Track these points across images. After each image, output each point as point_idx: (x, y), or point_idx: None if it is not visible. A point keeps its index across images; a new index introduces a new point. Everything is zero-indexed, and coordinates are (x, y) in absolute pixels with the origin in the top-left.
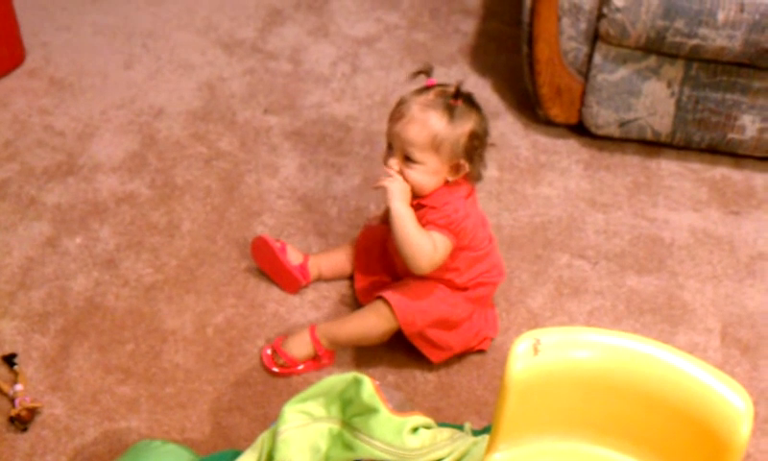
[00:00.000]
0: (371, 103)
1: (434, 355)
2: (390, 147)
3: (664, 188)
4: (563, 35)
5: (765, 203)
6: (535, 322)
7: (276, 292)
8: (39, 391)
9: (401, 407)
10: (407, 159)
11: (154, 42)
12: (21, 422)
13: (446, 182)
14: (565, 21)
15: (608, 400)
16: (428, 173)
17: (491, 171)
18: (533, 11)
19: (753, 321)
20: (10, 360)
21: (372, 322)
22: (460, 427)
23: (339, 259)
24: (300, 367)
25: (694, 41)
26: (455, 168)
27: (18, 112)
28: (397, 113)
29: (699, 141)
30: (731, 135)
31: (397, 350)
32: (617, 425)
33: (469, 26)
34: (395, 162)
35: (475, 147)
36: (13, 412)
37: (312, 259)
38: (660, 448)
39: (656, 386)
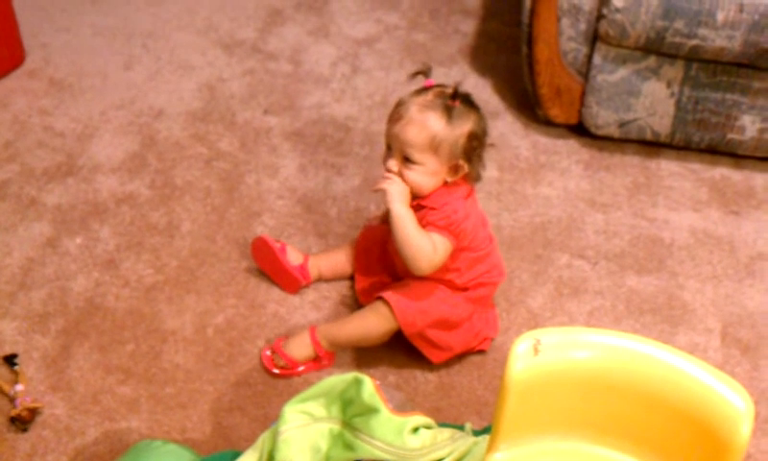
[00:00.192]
0: (370, 103)
1: (434, 356)
2: (389, 148)
3: (664, 188)
4: (562, 35)
5: (765, 203)
6: (535, 322)
7: (276, 292)
8: (40, 391)
9: (402, 407)
10: (406, 160)
11: (153, 43)
12: (22, 422)
13: (445, 183)
14: (565, 22)
15: (608, 400)
16: (427, 174)
17: (490, 171)
18: (532, 11)
19: (753, 321)
20: (10, 360)
21: (372, 322)
22: (460, 427)
23: (339, 260)
24: (301, 368)
25: (694, 42)
26: (454, 169)
27: (18, 113)
28: (396, 114)
29: (699, 141)
30: (730, 136)
31: (398, 350)
32: (618, 426)
33: (469, 26)
34: (394, 163)
35: (474, 148)
36: (14, 412)
37: (312, 260)
38: (660, 448)
39: (656, 386)
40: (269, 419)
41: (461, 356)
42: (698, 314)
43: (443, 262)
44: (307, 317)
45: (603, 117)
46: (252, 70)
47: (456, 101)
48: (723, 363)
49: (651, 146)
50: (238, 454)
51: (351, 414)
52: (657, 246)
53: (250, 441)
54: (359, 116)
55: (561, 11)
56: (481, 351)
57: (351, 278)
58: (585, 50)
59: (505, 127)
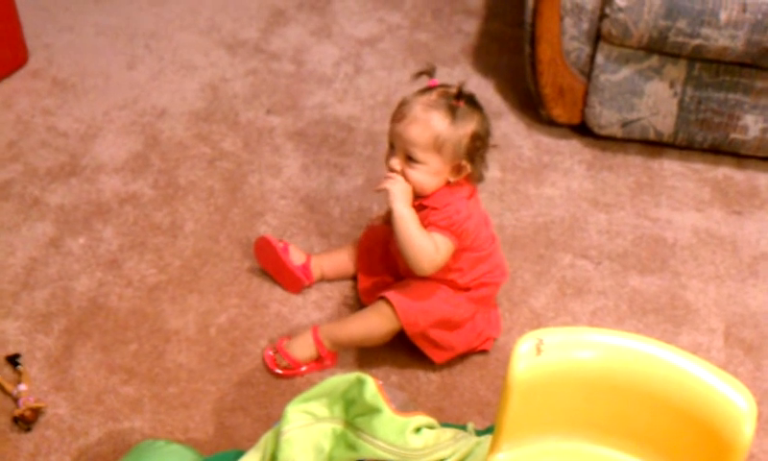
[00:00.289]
0: (373, 103)
1: (436, 356)
2: (392, 147)
3: (667, 188)
4: (565, 35)
5: None
6: (538, 322)
7: (278, 292)
8: (43, 391)
9: (404, 407)
10: (409, 159)
11: (156, 43)
12: (25, 422)
13: (448, 183)
14: (568, 21)
15: (611, 400)
16: (430, 173)
17: (493, 171)
18: (535, 11)
19: (756, 321)
20: (13, 360)
21: (375, 322)
22: (463, 427)
23: (341, 260)
24: (303, 368)
25: (696, 41)
26: (457, 169)
27: (21, 113)
28: (400, 113)
29: (701, 141)
30: (733, 135)
31: (400, 350)
32: (620, 426)
33: (472, 26)
34: (397, 162)
35: (477, 148)
36: (17, 412)
37: (315, 260)
38: (663, 448)
39: (659, 386)
40: (271, 419)
41: (463, 356)
42: (701, 314)
43: (444, 262)
44: (310, 317)
45: (606, 117)
46: (254, 70)
47: (460, 101)
48: (726, 363)
49: (654, 146)
50: (241, 454)
51: (354, 414)
52: (659, 246)
53: (252, 441)
54: (362, 116)
55: (563, 10)
56: (483, 352)
57: (354, 278)
58: (587, 50)
59: (508, 127)
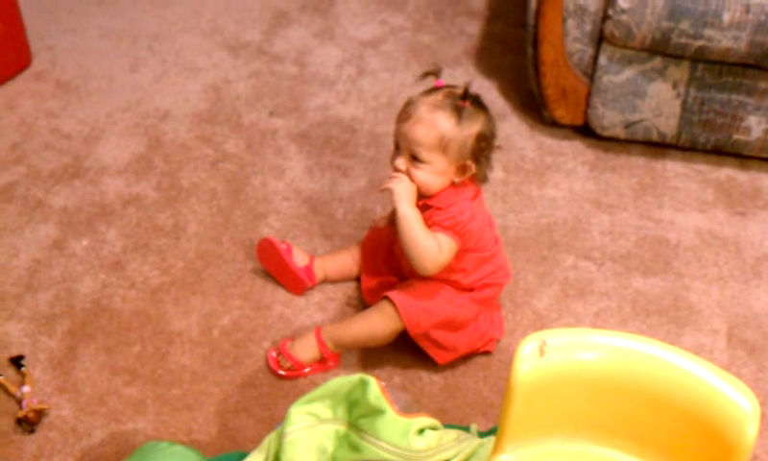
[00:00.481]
0: (376, 105)
1: (439, 357)
2: (397, 147)
3: (670, 189)
4: (568, 36)
5: None
6: (541, 323)
7: (281, 294)
8: (46, 393)
9: (407, 409)
10: (414, 159)
11: (159, 45)
12: (28, 423)
13: (453, 184)
14: (570, 23)
15: (614, 401)
16: (435, 173)
17: (496, 172)
18: (538, 12)
19: (759, 322)
20: (17, 362)
21: (378, 322)
22: (466, 429)
23: (345, 261)
24: (307, 370)
25: (699, 42)
26: (462, 169)
27: (25, 115)
28: (405, 114)
29: (704, 142)
30: (736, 137)
31: (403, 351)
32: (624, 427)
33: (474, 28)
34: (402, 162)
35: (482, 148)
36: (21, 414)
37: (318, 261)
38: (666, 449)
39: (662, 387)
40: (275, 420)
41: (466, 357)
42: (704, 315)
43: (448, 262)
44: (313, 318)
45: (609, 118)
46: (257, 72)
47: (466, 101)
48: (729, 364)
49: (657, 147)
50: (244, 456)
51: (357, 415)
52: (663, 247)
53: (255, 442)
54: (365, 118)
55: (566, 12)
56: (486, 353)
57: (357, 279)
58: (590, 51)
59: (510, 128)
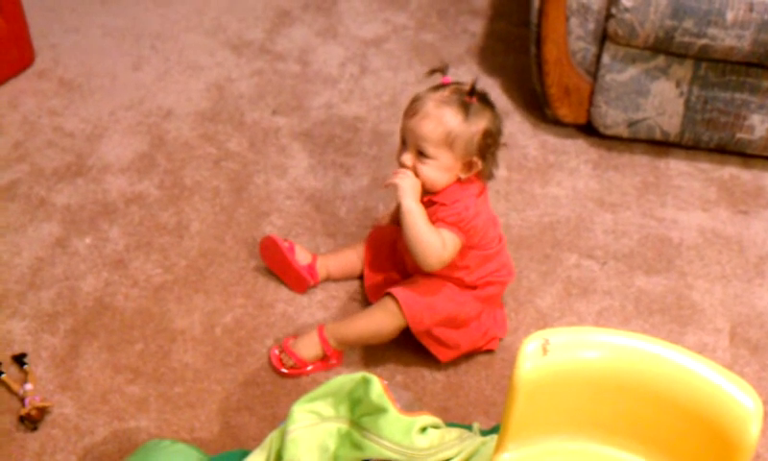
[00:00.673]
0: (379, 103)
1: (442, 354)
2: (404, 143)
3: (673, 188)
4: (571, 35)
5: None
6: (544, 322)
7: (284, 292)
8: (49, 390)
9: (410, 407)
10: (420, 155)
11: (162, 44)
12: (31, 421)
13: (459, 180)
14: (574, 21)
15: (617, 400)
16: (441, 169)
17: (499, 171)
18: (541, 11)
19: (762, 321)
20: (20, 360)
21: (380, 319)
22: (468, 427)
23: (347, 259)
24: (309, 368)
25: (703, 41)
26: (468, 165)
27: (28, 114)
28: (412, 109)
29: (708, 141)
30: (739, 135)
31: (406, 349)
32: (626, 426)
33: (477, 27)
34: (408, 157)
35: (488, 145)
36: (23, 411)
37: (320, 259)
38: (669, 448)
39: (665, 386)
40: (277, 418)
41: (469, 356)
42: (707, 314)
43: (451, 258)
44: (315, 316)
45: (612, 117)
46: (260, 71)
47: (473, 98)
48: (732, 363)
49: (660, 146)
50: (246, 454)
51: (359, 413)
52: (665, 246)
53: (258, 440)
54: (367, 116)
55: (569, 10)
56: (489, 351)
57: (360, 277)
58: (593, 49)
59: (514, 127)
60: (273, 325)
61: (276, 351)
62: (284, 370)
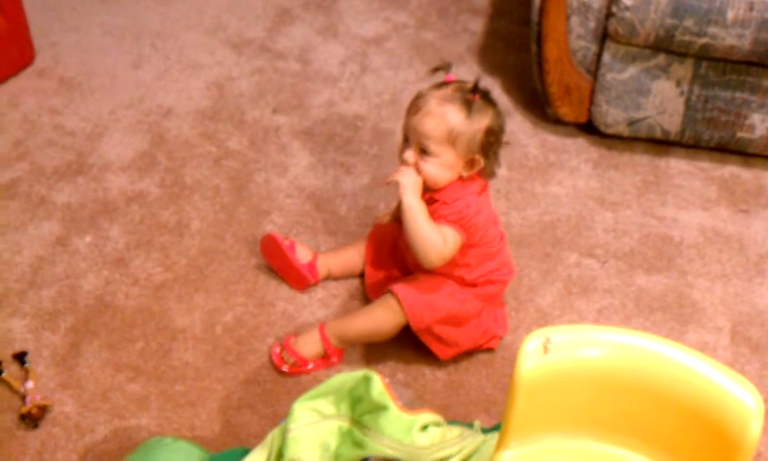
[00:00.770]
0: (379, 102)
1: (442, 352)
2: (406, 140)
3: (673, 187)
4: (571, 33)
5: None
6: (544, 320)
7: (285, 290)
8: (50, 388)
9: (411, 405)
10: (423, 152)
11: (162, 42)
12: (32, 419)
13: (460, 178)
14: (574, 20)
15: (617, 398)
16: (443, 166)
17: (500, 169)
18: (542, 10)
19: (762, 319)
20: (20, 358)
21: (381, 316)
22: (469, 425)
23: (348, 258)
24: (310, 366)
25: (703, 40)
26: (470, 163)
27: (28, 112)
28: (415, 106)
29: (708, 140)
30: (740, 134)
31: (406, 347)
32: (627, 424)
33: (478, 25)
34: (411, 154)
35: (491, 143)
36: (24, 409)
37: (321, 258)
38: (670, 446)
39: (666, 384)
40: (278, 416)
41: (469, 354)
42: (707, 313)
43: (452, 255)
44: (316, 315)
45: (612, 116)
46: (260, 69)
47: (476, 95)
48: (732, 361)
49: (660, 144)
50: (247, 452)
51: (361, 412)
52: (666, 244)
53: (259, 438)
54: (368, 115)
55: (570, 9)
56: (489, 350)
57: (360, 276)
58: (594, 48)
59: (514, 125)
60: (273, 323)
61: (277, 350)
62: (285, 368)
